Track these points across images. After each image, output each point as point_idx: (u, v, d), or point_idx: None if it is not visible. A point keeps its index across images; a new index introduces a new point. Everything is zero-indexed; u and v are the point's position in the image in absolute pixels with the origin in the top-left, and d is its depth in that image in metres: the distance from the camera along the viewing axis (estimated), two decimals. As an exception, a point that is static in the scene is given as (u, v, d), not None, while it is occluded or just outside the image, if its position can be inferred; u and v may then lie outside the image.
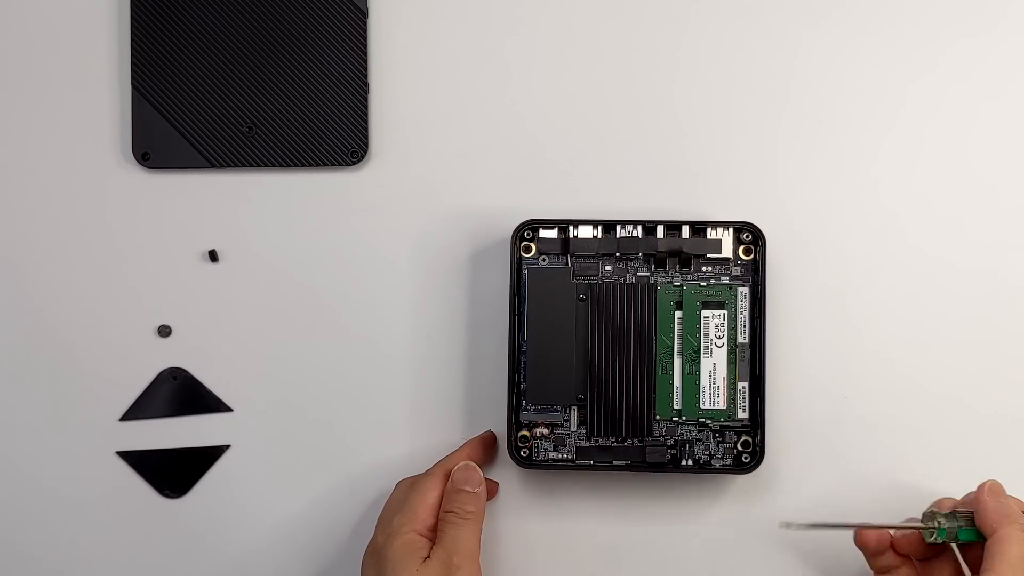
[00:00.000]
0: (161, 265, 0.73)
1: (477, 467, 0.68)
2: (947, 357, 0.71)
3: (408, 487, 0.68)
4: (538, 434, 0.69)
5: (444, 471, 0.68)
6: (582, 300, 0.68)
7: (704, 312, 0.68)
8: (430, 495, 0.67)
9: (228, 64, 0.73)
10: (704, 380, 0.68)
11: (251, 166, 0.73)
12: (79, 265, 0.73)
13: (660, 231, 0.69)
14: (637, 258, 0.69)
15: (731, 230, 0.69)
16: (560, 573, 0.71)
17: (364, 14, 0.72)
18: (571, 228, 0.69)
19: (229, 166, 0.73)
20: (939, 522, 0.63)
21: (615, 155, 0.72)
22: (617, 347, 0.68)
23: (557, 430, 0.69)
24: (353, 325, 0.72)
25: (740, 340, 0.68)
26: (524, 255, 0.69)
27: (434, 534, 0.66)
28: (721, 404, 0.68)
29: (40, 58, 0.74)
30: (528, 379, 0.68)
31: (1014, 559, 0.59)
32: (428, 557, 0.64)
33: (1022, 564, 0.59)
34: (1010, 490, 0.69)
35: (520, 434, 0.69)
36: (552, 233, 0.69)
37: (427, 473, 0.68)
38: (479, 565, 0.65)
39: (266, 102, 0.72)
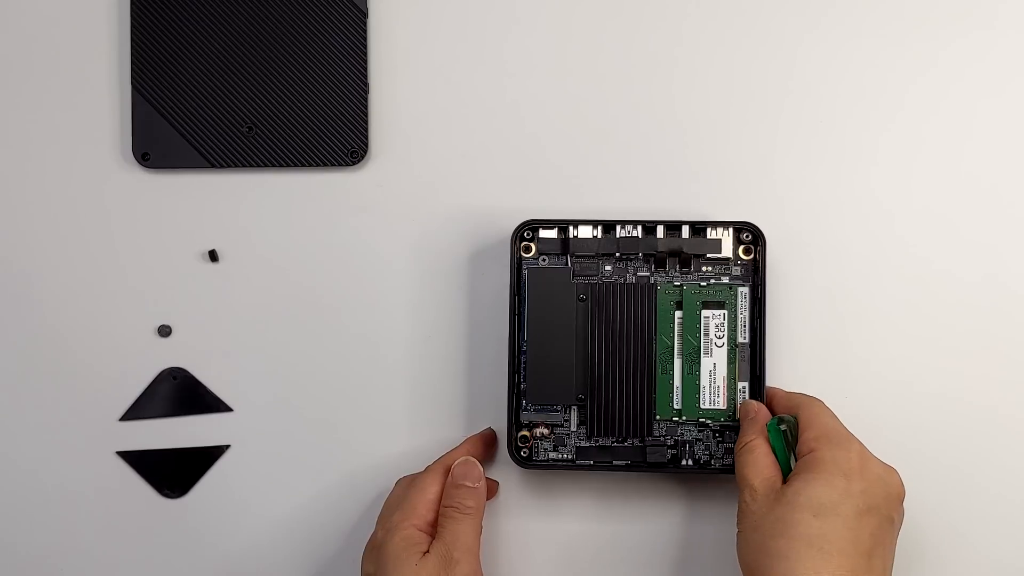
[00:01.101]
0: (161, 265, 0.73)
1: (477, 462, 0.68)
2: (946, 356, 0.71)
3: (408, 484, 0.68)
4: (538, 434, 0.69)
5: (444, 467, 0.68)
6: (582, 300, 0.68)
7: (704, 312, 0.68)
8: (429, 491, 0.67)
9: (228, 64, 0.73)
10: (704, 380, 0.68)
11: (251, 166, 0.73)
12: (79, 265, 0.73)
13: (660, 231, 0.69)
14: (637, 258, 0.69)
15: (731, 230, 0.69)
16: (560, 573, 0.71)
17: (364, 14, 0.73)
18: (571, 228, 0.69)
19: (229, 166, 0.73)
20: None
21: (615, 155, 0.72)
22: (617, 347, 0.68)
23: (557, 430, 0.69)
24: (353, 325, 0.72)
25: (740, 340, 0.68)
26: (524, 255, 0.69)
27: (433, 530, 0.66)
28: (721, 404, 0.68)
29: (40, 58, 0.74)
30: (528, 379, 0.68)
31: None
32: (427, 552, 0.64)
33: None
34: (1009, 490, 0.70)
35: (520, 434, 0.69)
36: (552, 233, 0.69)
37: (427, 470, 0.68)
38: (479, 560, 0.65)
39: (266, 102, 0.72)
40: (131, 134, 0.73)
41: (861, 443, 0.64)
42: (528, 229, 0.69)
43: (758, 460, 0.64)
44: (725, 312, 0.68)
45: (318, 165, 0.72)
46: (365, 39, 0.72)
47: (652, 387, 0.68)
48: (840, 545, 0.59)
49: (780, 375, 0.70)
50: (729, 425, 0.68)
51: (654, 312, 0.68)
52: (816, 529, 0.60)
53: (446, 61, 0.73)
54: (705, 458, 0.69)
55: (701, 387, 0.68)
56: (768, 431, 0.65)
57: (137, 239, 0.73)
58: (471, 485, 0.67)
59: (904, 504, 0.64)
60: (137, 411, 0.73)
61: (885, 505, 0.62)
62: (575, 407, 0.69)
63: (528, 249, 0.69)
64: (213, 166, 0.72)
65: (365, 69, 0.72)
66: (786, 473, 0.64)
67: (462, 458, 0.68)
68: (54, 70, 0.73)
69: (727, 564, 0.71)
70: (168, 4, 0.73)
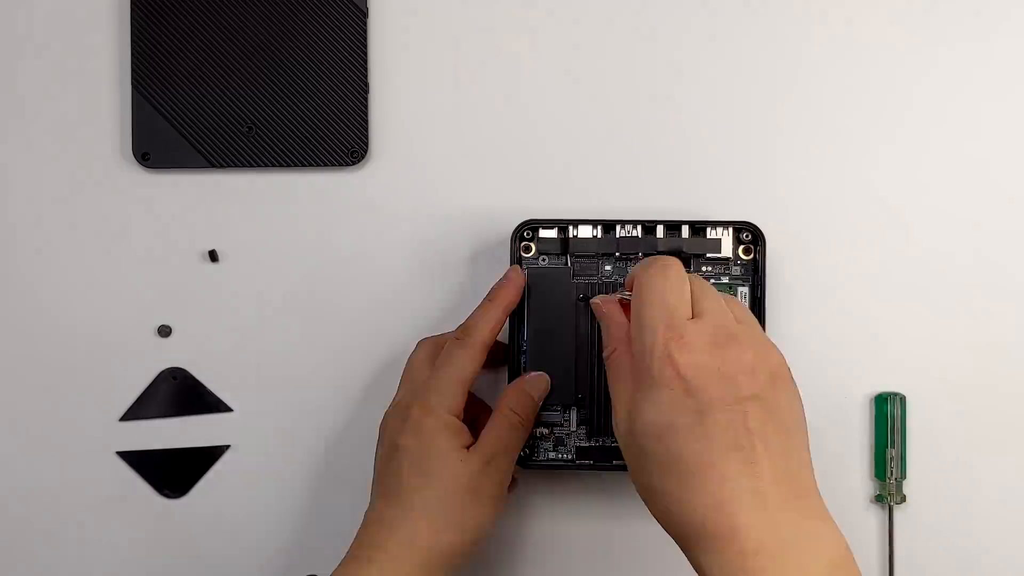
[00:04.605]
0: (161, 265, 0.73)
1: (549, 381, 0.66)
2: (948, 357, 0.71)
3: (438, 355, 0.65)
4: (538, 434, 0.69)
5: (482, 344, 0.64)
6: (582, 300, 0.68)
7: (704, 312, 0.68)
8: (468, 369, 0.64)
9: (228, 64, 0.73)
10: (704, 380, 0.68)
11: (251, 166, 0.73)
12: (79, 265, 0.73)
13: (660, 231, 0.69)
14: (637, 258, 0.69)
15: (731, 230, 0.69)
16: (560, 573, 0.71)
17: (364, 14, 0.73)
18: (571, 228, 0.69)
19: (229, 166, 0.73)
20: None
21: (615, 155, 0.72)
22: (617, 347, 0.68)
23: (557, 430, 0.69)
24: (353, 325, 0.72)
25: (740, 340, 0.68)
26: (524, 255, 0.69)
27: (464, 416, 0.64)
28: (721, 404, 0.68)
29: (40, 58, 0.74)
30: (528, 379, 0.68)
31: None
32: (471, 445, 0.63)
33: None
34: (1012, 490, 0.70)
35: (520, 434, 0.69)
36: (552, 233, 0.69)
37: (460, 343, 0.65)
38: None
39: (266, 102, 0.72)
40: (131, 134, 0.73)
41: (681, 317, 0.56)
42: (528, 229, 0.69)
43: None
44: (725, 312, 0.68)
45: (318, 165, 0.72)
46: (365, 39, 0.72)
47: (652, 387, 0.68)
48: (698, 459, 0.53)
49: (780, 375, 0.70)
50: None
51: (654, 312, 0.68)
52: (663, 454, 0.54)
53: (446, 61, 0.73)
54: (705, 458, 0.69)
55: (701, 387, 0.68)
56: (875, 405, 0.70)
57: (137, 239, 0.73)
58: (537, 399, 0.66)
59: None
60: (137, 411, 0.73)
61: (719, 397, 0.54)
62: (575, 407, 0.69)
63: (528, 249, 0.69)
64: (213, 166, 0.72)
65: (365, 69, 0.72)
66: (882, 448, 0.69)
67: (536, 373, 0.67)
68: (54, 70, 0.73)
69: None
70: (168, 4, 0.73)
